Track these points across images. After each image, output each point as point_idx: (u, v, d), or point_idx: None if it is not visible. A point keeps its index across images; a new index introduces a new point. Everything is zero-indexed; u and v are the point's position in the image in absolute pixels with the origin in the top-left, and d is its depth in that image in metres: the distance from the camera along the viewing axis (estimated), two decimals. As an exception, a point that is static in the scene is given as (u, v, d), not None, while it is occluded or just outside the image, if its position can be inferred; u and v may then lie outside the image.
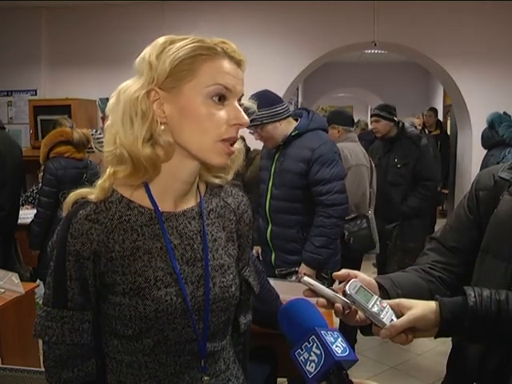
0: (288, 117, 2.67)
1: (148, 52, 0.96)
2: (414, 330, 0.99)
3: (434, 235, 1.28)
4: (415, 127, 4.25)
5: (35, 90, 6.02)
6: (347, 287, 0.98)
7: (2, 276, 2.72)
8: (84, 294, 0.96)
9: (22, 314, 2.69)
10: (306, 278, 0.98)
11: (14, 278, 2.66)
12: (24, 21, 5.89)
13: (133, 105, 0.94)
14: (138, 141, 0.93)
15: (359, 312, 1.01)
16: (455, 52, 5.32)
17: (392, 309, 0.99)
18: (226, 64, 0.95)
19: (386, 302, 1.00)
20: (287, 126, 2.67)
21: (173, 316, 0.97)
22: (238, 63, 0.98)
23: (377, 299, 0.99)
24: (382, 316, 0.97)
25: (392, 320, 0.97)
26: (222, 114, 0.95)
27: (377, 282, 1.10)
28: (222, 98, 0.95)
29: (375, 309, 0.97)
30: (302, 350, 0.81)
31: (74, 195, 1.00)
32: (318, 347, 0.80)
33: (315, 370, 0.79)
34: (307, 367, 0.80)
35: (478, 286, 1.10)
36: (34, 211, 3.80)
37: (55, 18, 5.94)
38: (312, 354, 0.80)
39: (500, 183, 1.16)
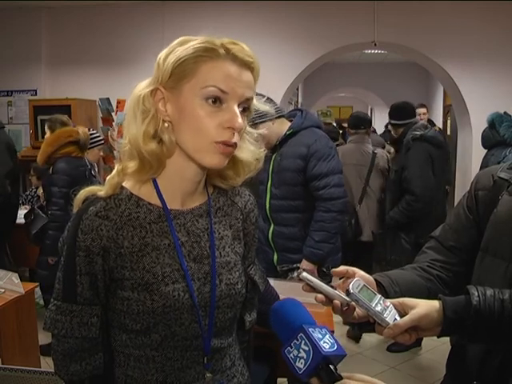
0: (280, 117, 2.70)
1: (162, 52, 0.99)
2: (417, 329, 0.99)
3: (433, 234, 1.28)
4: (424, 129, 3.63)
5: (35, 90, 6.03)
6: (350, 286, 0.98)
7: (2, 276, 2.73)
8: (93, 289, 0.99)
9: (22, 314, 2.70)
10: (304, 274, 0.98)
11: (14, 278, 2.67)
12: (24, 21, 5.90)
13: (136, 102, 0.98)
14: (139, 136, 0.96)
15: (357, 309, 1.01)
16: (455, 52, 5.32)
17: (395, 308, 0.99)
18: (228, 66, 0.95)
19: (389, 301, 1.00)
20: (281, 127, 2.70)
21: (180, 311, 0.98)
22: (246, 65, 0.97)
23: (380, 298, 0.99)
24: (385, 315, 0.97)
25: (395, 319, 0.97)
26: (217, 116, 0.95)
27: (375, 279, 1.10)
28: (217, 101, 0.94)
29: (378, 308, 0.97)
30: (292, 348, 0.83)
31: (84, 192, 1.03)
32: (306, 344, 0.82)
33: (304, 366, 0.81)
34: (297, 364, 0.82)
35: (478, 285, 1.10)
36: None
37: (55, 17, 5.94)
38: (301, 350, 0.82)
39: (499, 183, 1.16)
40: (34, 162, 5.07)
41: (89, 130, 4.26)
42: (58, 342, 1.00)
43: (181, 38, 0.98)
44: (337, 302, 0.99)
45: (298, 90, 8.66)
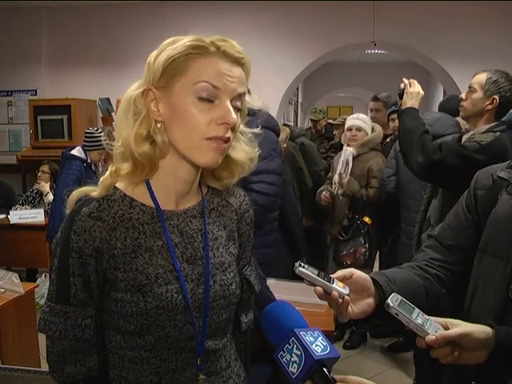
0: None
1: (152, 53, 0.98)
2: (459, 348, 0.96)
3: (432, 233, 1.28)
4: None
5: (35, 90, 6.03)
6: (389, 300, 0.97)
7: (1, 276, 2.73)
8: (87, 291, 0.98)
9: (22, 313, 2.70)
10: (300, 269, 0.98)
11: (14, 278, 2.67)
12: (24, 21, 5.90)
13: (128, 104, 0.98)
14: (131, 137, 0.96)
15: (352, 306, 1.02)
16: (455, 52, 5.33)
17: (437, 322, 0.98)
18: (218, 62, 0.94)
19: (427, 316, 0.99)
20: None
21: (173, 313, 0.98)
22: (236, 61, 0.96)
23: (419, 312, 0.99)
24: (426, 327, 0.96)
25: (437, 330, 0.96)
26: (210, 112, 0.94)
27: (372, 278, 1.10)
28: (209, 96, 0.94)
29: (419, 320, 0.97)
30: (284, 352, 0.83)
31: (77, 193, 1.02)
32: (298, 348, 0.82)
33: (297, 370, 0.81)
34: (290, 368, 0.82)
35: (477, 285, 1.10)
36: (34, 211, 3.76)
37: (55, 18, 5.95)
38: (293, 355, 0.82)
39: (498, 182, 1.16)
40: (34, 161, 5.08)
41: (97, 130, 4.22)
42: (52, 343, 1.00)
43: (171, 38, 0.98)
44: (335, 293, 0.99)
45: (298, 89, 8.67)
